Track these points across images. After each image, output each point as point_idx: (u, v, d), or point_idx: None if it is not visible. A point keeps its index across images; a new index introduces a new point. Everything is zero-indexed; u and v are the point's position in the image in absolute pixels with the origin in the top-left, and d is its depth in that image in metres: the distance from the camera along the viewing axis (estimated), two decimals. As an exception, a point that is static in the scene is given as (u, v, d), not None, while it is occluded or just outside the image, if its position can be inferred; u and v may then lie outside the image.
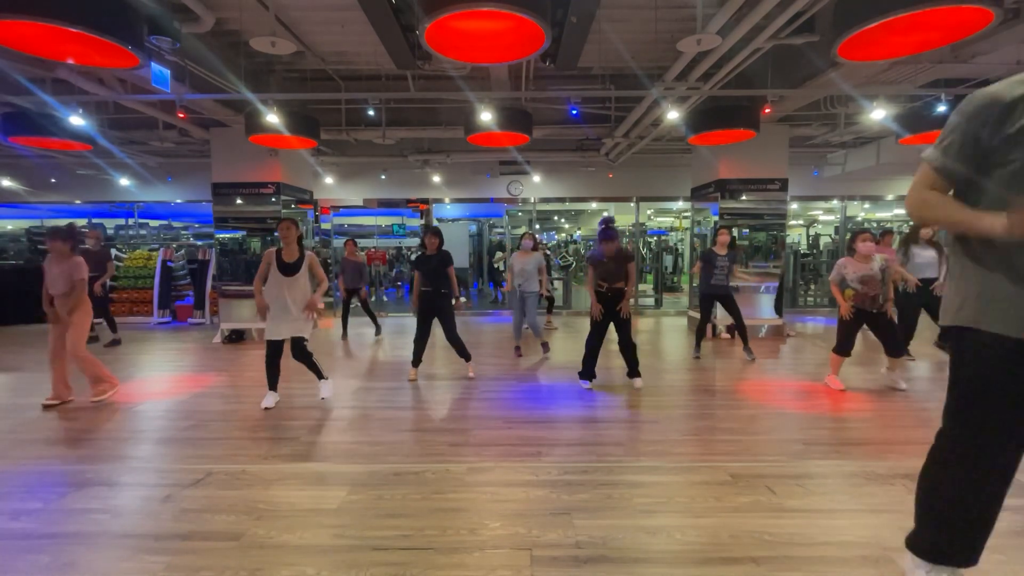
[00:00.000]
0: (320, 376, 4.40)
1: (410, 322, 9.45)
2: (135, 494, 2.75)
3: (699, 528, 2.36)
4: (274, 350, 4.20)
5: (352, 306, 7.88)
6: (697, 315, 8.19)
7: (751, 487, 2.77)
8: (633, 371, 4.82)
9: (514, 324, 6.42)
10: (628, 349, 4.79)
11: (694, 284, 9.16)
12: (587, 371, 4.83)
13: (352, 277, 7.57)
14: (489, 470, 3.01)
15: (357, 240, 8.21)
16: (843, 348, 4.62)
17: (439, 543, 2.25)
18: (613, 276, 4.63)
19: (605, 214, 5.39)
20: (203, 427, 3.81)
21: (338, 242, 11.93)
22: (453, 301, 5.13)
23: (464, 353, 5.18)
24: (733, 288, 6.12)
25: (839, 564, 2.10)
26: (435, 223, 10.92)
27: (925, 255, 5.53)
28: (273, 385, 4.29)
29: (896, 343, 4.55)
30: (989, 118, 1.45)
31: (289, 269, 4.14)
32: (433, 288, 5.00)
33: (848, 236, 5.32)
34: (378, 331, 7.84)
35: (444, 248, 5.13)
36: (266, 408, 4.18)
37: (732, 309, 5.94)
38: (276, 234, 4.33)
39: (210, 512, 2.54)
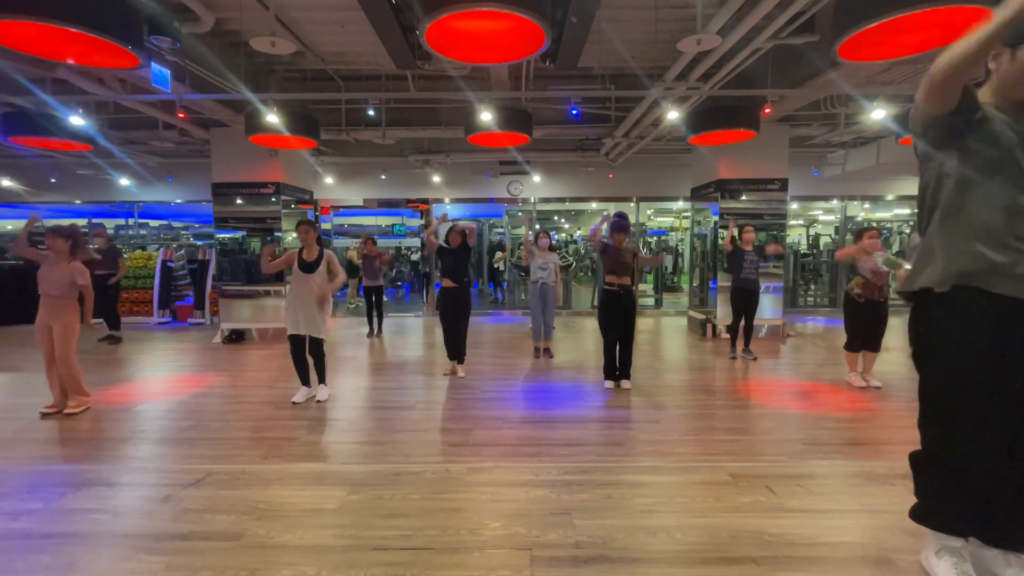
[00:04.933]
0: (322, 380, 4.47)
1: (410, 322, 9.45)
2: (135, 494, 2.75)
3: (699, 528, 2.36)
4: (296, 344, 4.31)
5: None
6: (698, 315, 8.26)
7: (751, 487, 2.77)
8: (624, 372, 4.78)
9: (534, 325, 6.16)
10: (626, 350, 4.76)
11: (694, 284, 9.21)
12: (610, 367, 4.80)
13: (370, 273, 7.77)
14: (489, 470, 3.01)
15: (346, 239, 8.31)
16: (854, 343, 4.72)
17: (439, 543, 2.25)
18: (623, 269, 4.59)
19: (616, 211, 5.37)
20: (203, 427, 3.81)
21: (339, 242, 11.95)
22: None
23: (462, 354, 5.29)
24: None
25: (839, 564, 2.10)
26: (435, 223, 10.90)
27: None
28: (305, 379, 4.42)
29: (876, 339, 4.66)
30: None
31: (309, 267, 4.29)
32: (456, 282, 5.15)
33: (853, 232, 5.40)
34: (377, 331, 7.90)
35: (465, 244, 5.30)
36: (295, 402, 4.30)
37: (753, 307, 6.00)
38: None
39: (210, 512, 2.54)
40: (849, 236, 10.60)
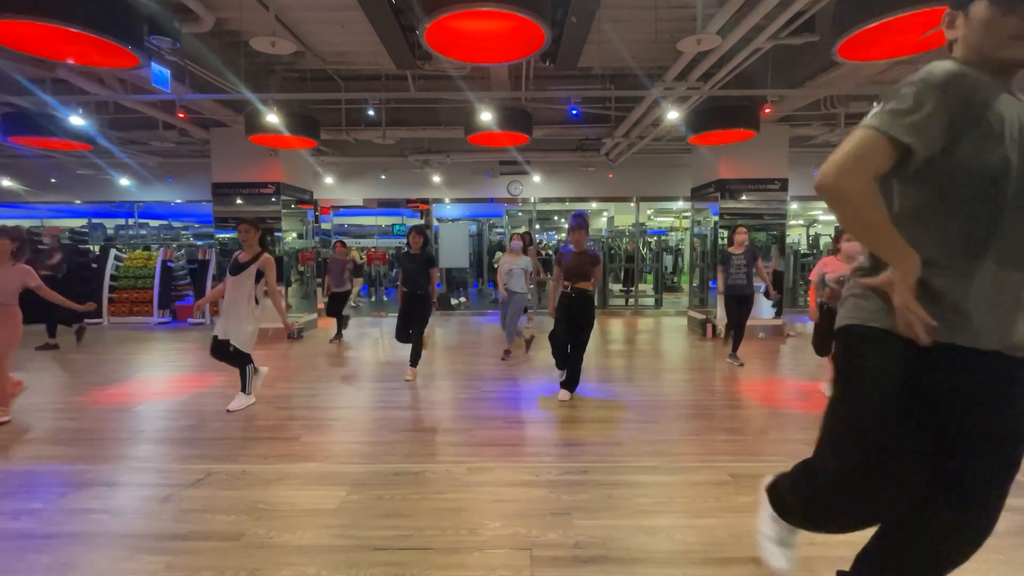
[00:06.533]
0: (243, 388, 4.20)
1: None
2: (135, 494, 2.75)
3: (699, 528, 2.36)
4: (215, 347, 4.07)
5: (354, 305, 7.61)
6: (698, 315, 8.26)
7: (751, 487, 2.76)
8: (570, 382, 4.43)
9: (505, 327, 6.06)
10: (576, 355, 4.39)
11: (694, 284, 9.21)
12: (560, 363, 4.51)
13: (336, 278, 7.21)
14: (489, 470, 3.01)
15: (346, 240, 7.94)
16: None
17: (439, 543, 2.25)
18: (579, 275, 4.27)
19: (576, 209, 5.24)
20: (203, 427, 3.81)
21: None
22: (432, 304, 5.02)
23: (416, 358, 5.03)
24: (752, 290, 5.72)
25: (839, 564, 2.09)
26: (436, 223, 10.91)
27: None
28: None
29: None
30: (965, 99, 1.17)
31: (236, 269, 4.06)
32: (410, 290, 4.94)
33: (832, 235, 5.13)
34: (338, 335, 7.33)
35: (428, 248, 5.04)
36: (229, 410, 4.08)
37: (744, 312, 5.68)
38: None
39: (210, 512, 2.53)
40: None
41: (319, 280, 9.59)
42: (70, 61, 3.76)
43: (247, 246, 4.09)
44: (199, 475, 2.95)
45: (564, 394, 4.39)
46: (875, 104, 1.32)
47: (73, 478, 2.94)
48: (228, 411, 4.07)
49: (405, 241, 5.12)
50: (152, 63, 4.33)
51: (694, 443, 3.45)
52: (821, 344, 4.37)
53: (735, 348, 5.76)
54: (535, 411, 4.14)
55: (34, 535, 2.33)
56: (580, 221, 4.29)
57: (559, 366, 4.53)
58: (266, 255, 4.10)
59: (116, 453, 3.33)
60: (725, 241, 7.70)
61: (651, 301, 11.32)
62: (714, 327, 7.61)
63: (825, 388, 4.54)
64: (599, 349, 6.83)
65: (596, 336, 7.87)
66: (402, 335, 5.07)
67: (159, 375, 5.49)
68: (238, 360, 4.12)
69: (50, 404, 4.35)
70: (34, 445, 3.49)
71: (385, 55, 5.09)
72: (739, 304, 5.66)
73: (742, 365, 5.61)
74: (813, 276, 4.43)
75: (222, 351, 4.07)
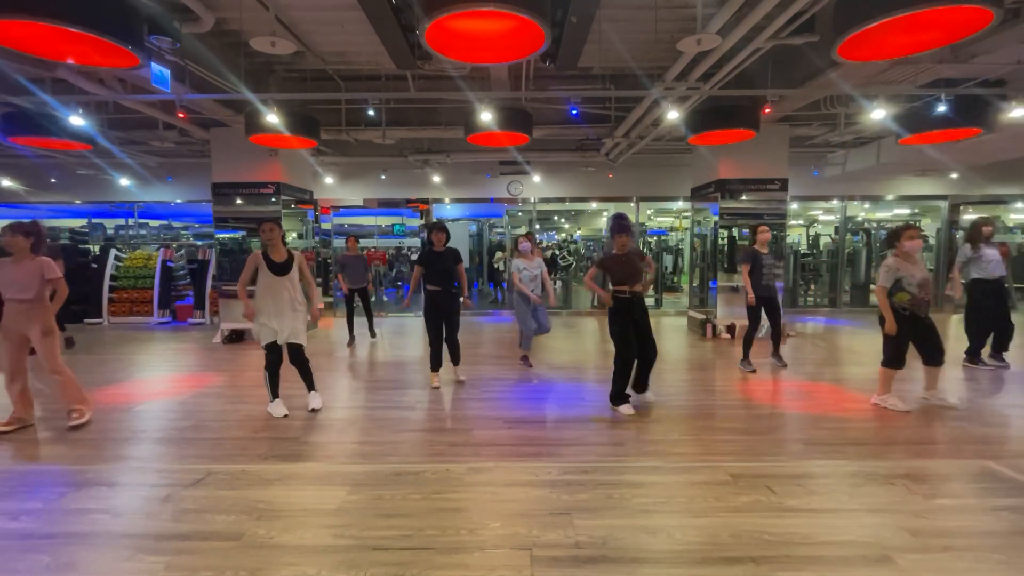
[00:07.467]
0: (311, 387, 4.23)
1: (411, 322, 9.43)
2: (135, 494, 2.75)
3: (699, 528, 2.36)
4: (277, 355, 4.04)
5: (355, 305, 7.38)
6: (698, 315, 8.25)
7: (751, 487, 2.77)
8: (646, 382, 4.26)
9: (524, 333, 5.69)
10: (653, 357, 4.16)
11: (694, 284, 9.20)
12: (621, 393, 4.11)
13: (356, 275, 7.05)
14: (489, 470, 3.01)
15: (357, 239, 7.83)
16: (899, 360, 4.04)
17: (439, 543, 2.25)
18: (634, 276, 4.04)
19: (614, 212, 5.01)
20: (203, 427, 3.81)
21: (339, 242, 11.94)
22: (461, 300, 4.90)
23: (458, 357, 5.01)
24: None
25: (839, 564, 2.10)
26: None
27: (992, 253, 5.35)
28: (278, 391, 4.13)
29: (938, 351, 4.03)
30: None
31: (281, 269, 4.02)
32: (444, 288, 4.78)
33: (887, 232, 4.72)
34: (373, 334, 7.44)
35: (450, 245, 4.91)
36: (284, 415, 3.99)
37: (775, 313, 5.42)
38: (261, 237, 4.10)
39: (210, 512, 2.53)
40: (849, 236, 10.58)
41: (318, 280, 9.58)
42: (70, 61, 3.75)
43: (272, 244, 4.04)
44: (199, 475, 2.95)
45: (651, 395, 4.21)
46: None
47: (73, 478, 2.94)
48: (312, 410, 4.10)
49: (427, 239, 4.95)
50: (152, 63, 4.33)
51: (694, 443, 3.45)
52: (898, 357, 4.04)
53: (776, 347, 5.51)
54: (535, 411, 4.14)
55: (34, 535, 2.33)
56: (626, 223, 4.08)
57: (623, 392, 4.09)
58: (298, 252, 4.15)
59: (116, 453, 3.33)
60: (725, 241, 7.73)
61: (651, 301, 11.31)
62: (714, 327, 7.60)
63: (893, 402, 4.09)
64: (600, 348, 6.83)
65: (597, 335, 7.88)
66: (439, 344, 4.83)
67: (159, 375, 5.49)
68: (302, 360, 4.12)
69: (50, 404, 4.34)
70: (34, 445, 3.49)
71: (385, 55, 5.09)
72: (769, 305, 5.41)
73: (754, 371, 5.33)
74: (884, 281, 4.01)
75: (298, 355, 4.08)
